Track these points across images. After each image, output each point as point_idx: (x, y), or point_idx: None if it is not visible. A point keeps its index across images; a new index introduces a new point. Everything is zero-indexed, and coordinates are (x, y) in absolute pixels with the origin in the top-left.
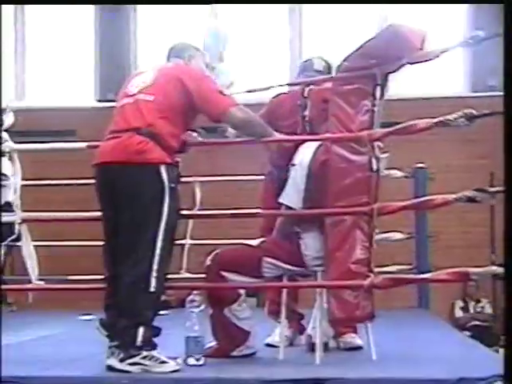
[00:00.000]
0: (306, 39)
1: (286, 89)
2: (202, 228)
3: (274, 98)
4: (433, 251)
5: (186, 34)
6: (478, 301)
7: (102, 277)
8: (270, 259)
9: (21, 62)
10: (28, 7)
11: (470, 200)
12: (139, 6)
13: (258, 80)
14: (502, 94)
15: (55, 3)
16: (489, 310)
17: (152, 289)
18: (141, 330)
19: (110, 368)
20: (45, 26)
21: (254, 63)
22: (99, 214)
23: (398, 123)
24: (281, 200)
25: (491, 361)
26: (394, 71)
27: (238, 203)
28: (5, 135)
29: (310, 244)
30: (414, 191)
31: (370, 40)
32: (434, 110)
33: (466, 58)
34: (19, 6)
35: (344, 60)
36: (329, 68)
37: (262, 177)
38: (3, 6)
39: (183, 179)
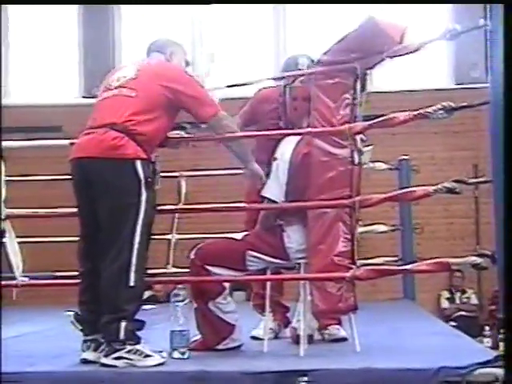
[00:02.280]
0: (290, 33)
1: (269, 83)
2: (188, 223)
3: (259, 91)
4: (418, 243)
5: (170, 28)
6: (464, 291)
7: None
8: (253, 252)
9: (5, 59)
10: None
11: (450, 191)
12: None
13: (242, 74)
14: (484, 85)
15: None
16: (474, 300)
17: (132, 283)
18: (123, 325)
19: (86, 361)
20: (28, 21)
21: (239, 57)
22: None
23: (382, 116)
24: (263, 193)
25: (474, 350)
26: (374, 65)
27: (223, 197)
28: None
29: (293, 237)
30: (398, 183)
31: (349, 34)
32: (418, 102)
33: (450, 50)
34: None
35: (324, 54)
36: (313, 66)
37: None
38: None
39: (168, 174)
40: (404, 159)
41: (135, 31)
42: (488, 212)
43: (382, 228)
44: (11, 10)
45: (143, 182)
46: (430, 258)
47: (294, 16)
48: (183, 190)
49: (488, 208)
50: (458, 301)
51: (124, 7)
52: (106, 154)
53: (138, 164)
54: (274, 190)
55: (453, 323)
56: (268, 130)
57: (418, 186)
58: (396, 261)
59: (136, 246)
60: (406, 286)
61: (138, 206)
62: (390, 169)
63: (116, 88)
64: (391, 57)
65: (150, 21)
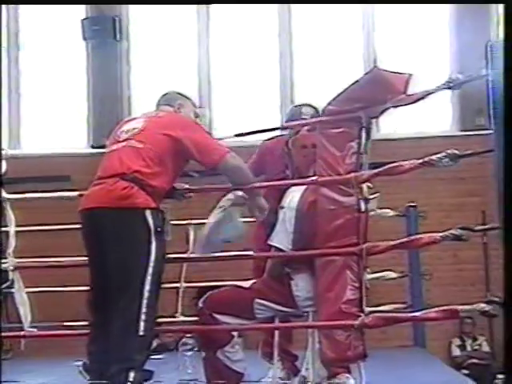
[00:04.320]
0: (296, 81)
1: (275, 133)
2: (196, 271)
3: (264, 142)
4: (428, 289)
5: (178, 79)
6: (475, 338)
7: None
8: (261, 300)
9: (15, 110)
10: (23, 55)
11: (457, 238)
12: (133, 51)
13: (248, 122)
14: (489, 132)
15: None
16: (486, 347)
17: (141, 332)
18: (131, 375)
19: None
20: (39, 72)
21: (245, 105)
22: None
23: (389, 163)
24: (270, 242)
25: None
26: (378, 114)
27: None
28: None
29: (301, 285)
30: (406, 230)
31: (353, 84)
32: (424, 149)
33: (454, 97)
34: (13, 54)
35: (329, 104)
36: (317, 115)
37: (253, 219)
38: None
39: (177, 222)
40: (411, 206)
41: (144, 80)
42: (497, 258)
43: (392, 275)
44: (22, 58)
45: (153, 230)
46: (440, 305)
47: (301, 65)
48: (192, 239)
49: (497, 254)
50: (469, 348)
51: (133, 56)
52: (115, 203)
53: (148, 213)
54: (282, 238)
55: (465, 371)
56: (275, 179)
57: (426, 232)
58: (405, 308)
59: (146, 294)
60: (416, 333)
61: (148, 255)
62: (398, 215)
63: (125, 140)
64: (395, 106)
65: (159, 70)
